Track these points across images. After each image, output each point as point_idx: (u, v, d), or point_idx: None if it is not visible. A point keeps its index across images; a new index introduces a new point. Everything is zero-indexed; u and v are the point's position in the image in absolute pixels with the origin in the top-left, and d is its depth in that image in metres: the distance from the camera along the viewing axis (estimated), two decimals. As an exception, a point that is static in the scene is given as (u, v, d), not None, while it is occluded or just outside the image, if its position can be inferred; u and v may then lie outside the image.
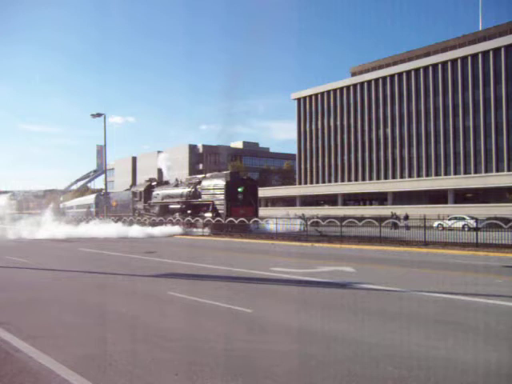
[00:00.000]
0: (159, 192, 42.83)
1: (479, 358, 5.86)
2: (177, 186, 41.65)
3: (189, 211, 38.01)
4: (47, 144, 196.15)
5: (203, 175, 40.49)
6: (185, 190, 39.32)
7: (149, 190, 44.42)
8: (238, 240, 29.25)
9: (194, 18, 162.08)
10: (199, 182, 38.41)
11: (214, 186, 36.28)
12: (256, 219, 32.37)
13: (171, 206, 40.78)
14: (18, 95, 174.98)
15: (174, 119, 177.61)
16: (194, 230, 35.20)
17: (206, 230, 34.23)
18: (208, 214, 35.42)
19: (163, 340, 6.79)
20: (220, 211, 34.96)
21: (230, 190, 35.05)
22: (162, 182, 45.99)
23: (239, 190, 35.30)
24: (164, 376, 5.17)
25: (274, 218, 32.84)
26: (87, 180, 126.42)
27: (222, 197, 35.13)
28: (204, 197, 37.11)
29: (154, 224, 37.61)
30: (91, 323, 7.92)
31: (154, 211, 42.69)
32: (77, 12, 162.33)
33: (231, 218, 32.81)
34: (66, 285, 12.19)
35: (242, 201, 35.29)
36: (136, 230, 34.47)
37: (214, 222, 33.91)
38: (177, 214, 38.93)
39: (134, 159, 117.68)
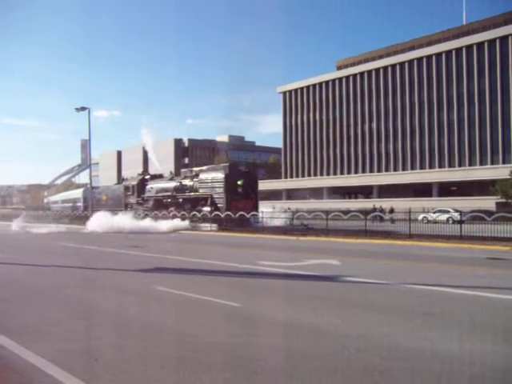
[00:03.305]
0: (153, 186, 41.80)
1: (465, 348, 5.91)
2: (172, 179, 40.77)
3: (185, 205, 37.21)
4: (30, 138, 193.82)
5: (200, 168, 39.48)
6: (181, 184, 38.42)
7: (142, 183, 43.30)
8: (228, 234, 29.25)
9: (180, 13, 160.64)
10: (196, 175, 37.56)
11: (212, 179, 35.37)
12: (242, 213, 31.81)
13: (166, 200, 39.70)
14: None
15: (159, 113, 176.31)
16: (185, 224, 34.43)
17: (203, 225, 33.49)
18: (206, 208, 34.67)
19: (150, 334, 6.75)
20: (219, 205, 34.15)
21: (229, 183, 34.19)
22: (155, 176, 44.77)
23: (238, 182, 34.46)
24: (151, 370, 5.13)
25: (260, 212, 32.85)
26: (72, 174, 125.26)
27: (221, 190, 34.27)
28: (201, 190, 36.21)
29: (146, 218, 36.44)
30: (76, 318, 7.83)
31: (147, 205, 41.50)
32: (61, 8, 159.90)
33: (217, 212, 32.64)
34: (51, 280, 12.06)
35: (242, 194, 34.49)
36: (127, 224, 33.73)
37: (200, 215, 33.72)
38: (172, 208, 37.86)
39: (119, 153, 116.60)
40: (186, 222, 34.05)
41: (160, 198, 40.57)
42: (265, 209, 36.64)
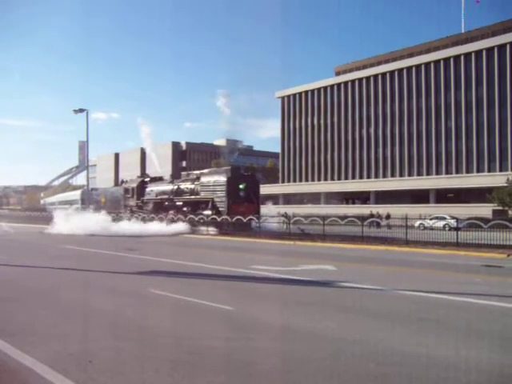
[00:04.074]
0: (153, 188, 41.47)
1: (461, 355, 5.91)
2: (172, 182, 40.43)
3: (185, 209, 36.86)
4: (28, 139, 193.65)
5: (201, 171, 39.06)
6: (181, 187, 38.05)
7: (142, 186, 42.94)
8: (227, 238, 29.15)
9: (177, 15, 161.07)
10: (197, 178, 37.10)
11: (214, 183, 34.90)
12: (239, 217, 31.45)
13: (166, 203, 39.23)
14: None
15: (158, 116, 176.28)
16: (185, 228, 33.86)
17: (203, 229, 33.18)
18: (207, 212, 34.31)
19: (145, 337, 6.73)
20: (220, 209, 33.75)
21: (231, 186, 33.70)
22: (155, 178, 44.42)
23: (240, 186, 33.91)
24: (146, 373, 5.12)
25: (261, 215, 32.84)
26: (69, 176, 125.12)
27: (223, 194, 33.77)
28: (203, 194, 35.73)
29: (145, 222, 35.94)
30: (71, 320, 7.81)
31: (147, 208, 41.04)
32: (60, 9, 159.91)
33: (214, 216, 32.50)
34: (45, 281, 12.01)
35: (244, 198, 34.00)
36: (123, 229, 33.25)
37: (196, 219, 33.59)
38: (172, 211, 37.37)
39: (117, 155, 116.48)
40: (186, 226, 33.71)
41: (160, 200, 40.13)
42: (271, 210, 36.19)
